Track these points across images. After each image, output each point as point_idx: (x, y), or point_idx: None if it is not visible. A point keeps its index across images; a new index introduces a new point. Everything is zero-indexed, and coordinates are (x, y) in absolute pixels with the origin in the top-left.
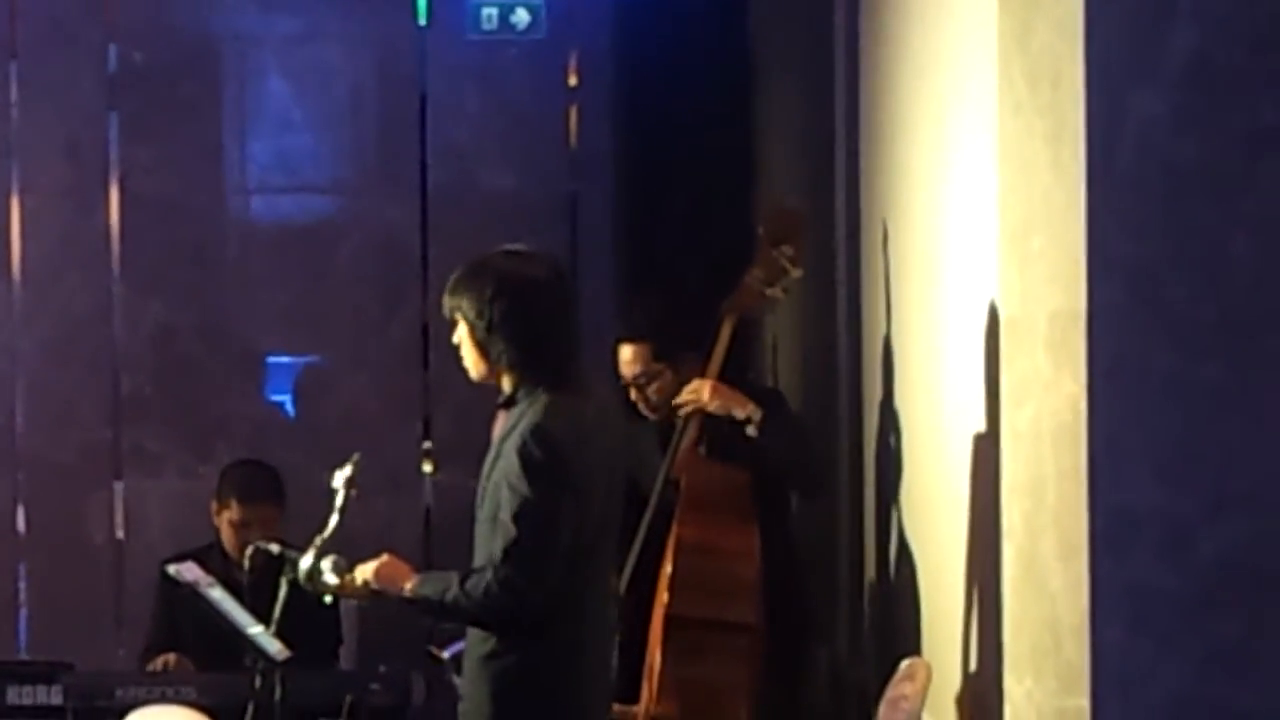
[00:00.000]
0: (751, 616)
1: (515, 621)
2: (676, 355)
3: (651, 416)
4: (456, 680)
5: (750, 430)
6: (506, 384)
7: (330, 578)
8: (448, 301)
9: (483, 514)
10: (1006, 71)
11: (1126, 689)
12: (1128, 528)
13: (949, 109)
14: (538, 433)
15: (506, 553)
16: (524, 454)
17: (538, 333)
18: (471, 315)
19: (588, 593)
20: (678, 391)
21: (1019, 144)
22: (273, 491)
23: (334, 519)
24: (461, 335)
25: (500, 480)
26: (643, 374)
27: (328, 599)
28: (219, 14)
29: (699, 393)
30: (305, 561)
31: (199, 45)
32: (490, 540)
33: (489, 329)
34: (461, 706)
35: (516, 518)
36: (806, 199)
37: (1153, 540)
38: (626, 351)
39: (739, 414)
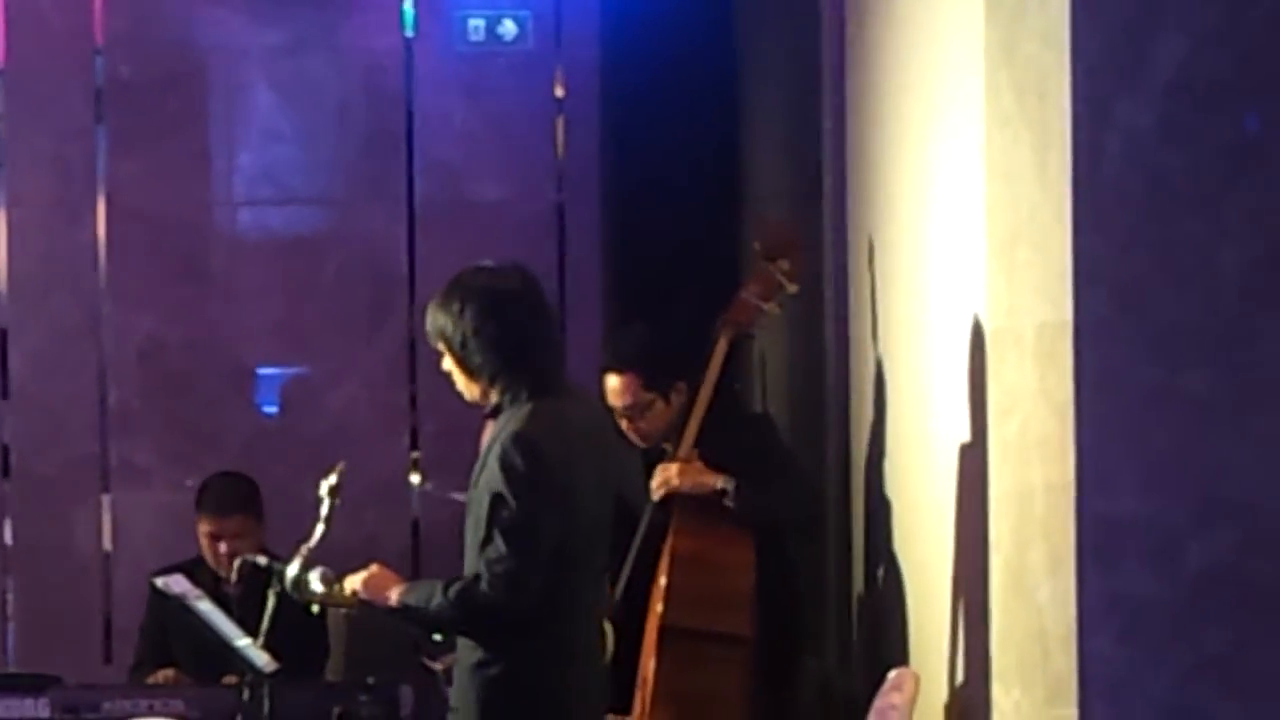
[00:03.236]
0: (745, 628)
1: (500, 629)
2: (666, 385)
3: (642, 445)
4: (449, 691)
5: (727, 501)
6: (493, 395)
7: (317, 586)
8: (429, 329)
9: (470, 522)
10: (993, 83)
11: (1114, 699)
12: (1115, 538)
13: (935, 122)
14: (519, 440)
15: (489, 562)
16: (505, 462)
17: (515, 339)
18: (449, 333)
19: (576, 597)
20: (670, 421)
21: (1005, 155)
22: (243, 504)
23: (320, 528)
24: (449, 361)
25: (486, 486)
26: (632, 406)
27: (315, 608)
28: (206, 27)
29: (668, 476)
30: (291, 570)
31: (186, 58)
32: (476, 552)
33: (464, 344)
34: (451, 717)
35: (499, 527)
36: (793, 212)
37: (1140, 551)
38: (614, 381)
39: (713, 488)
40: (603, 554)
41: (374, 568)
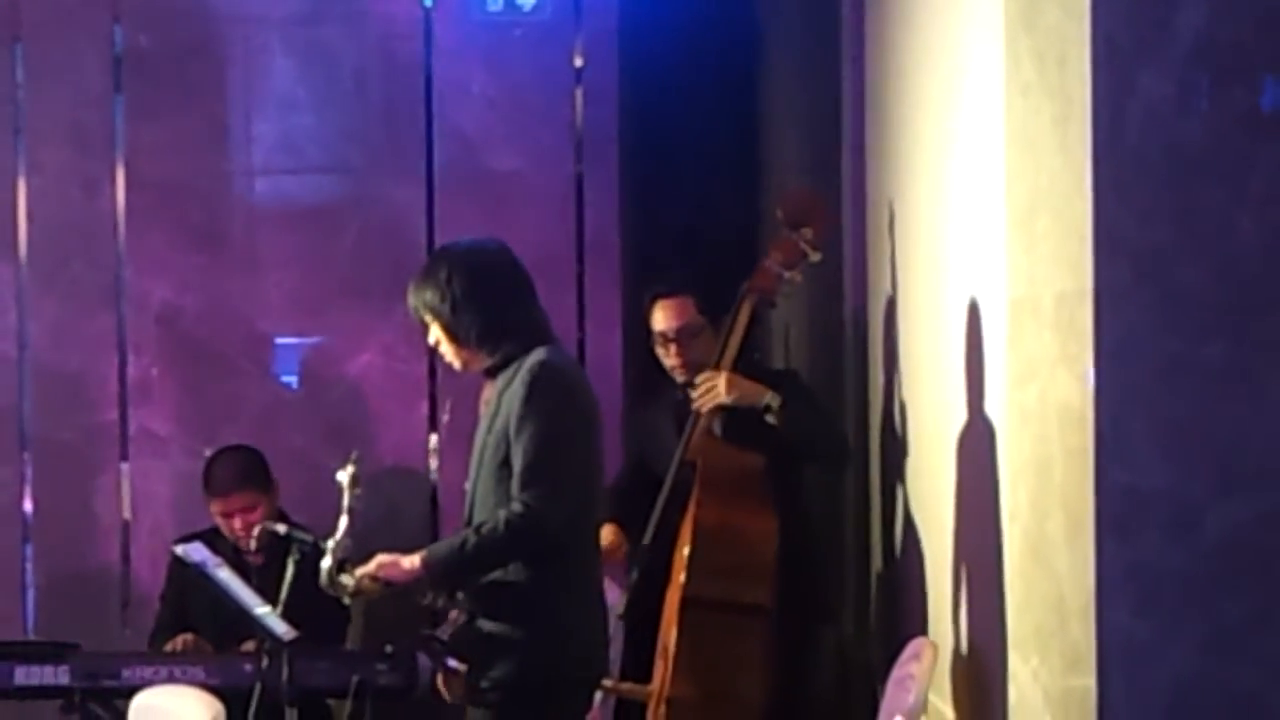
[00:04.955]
0: (767, 598)
1: (538, 542)
2: (717, 313)
3: (682, 378)
4: (453, 663)
5: (770, 418)
6: (483, 358)
7: (347, 579)
8: (412, 303)
9: (484, 469)
10: (1013, 52)
11: (1132, 669)
12: (1134, 508)
13: (955, 89)
14: (544, 368)
15: (523, 478)
16: (533, 386)
17: (503, 297)
18: (436, 302)
19: (590, 542)
20: (708, 357)
21: (1025, 124)
22: (244, 478)
23: (343, 520)
24: (436, 332)
25: (504, 426)
26: (687, 326)
27: (346, 600)
28: None
29: (715, 387)
30: (325, 565)
31: (204, 27)
32: (493, 495)
33: (454, 309)
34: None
35: (532, 444)
36: (813, 180)
37: (1159, 520)
38: (667, 306)
39: (759, 403)
40: (601, 499)
41: (379, 556)
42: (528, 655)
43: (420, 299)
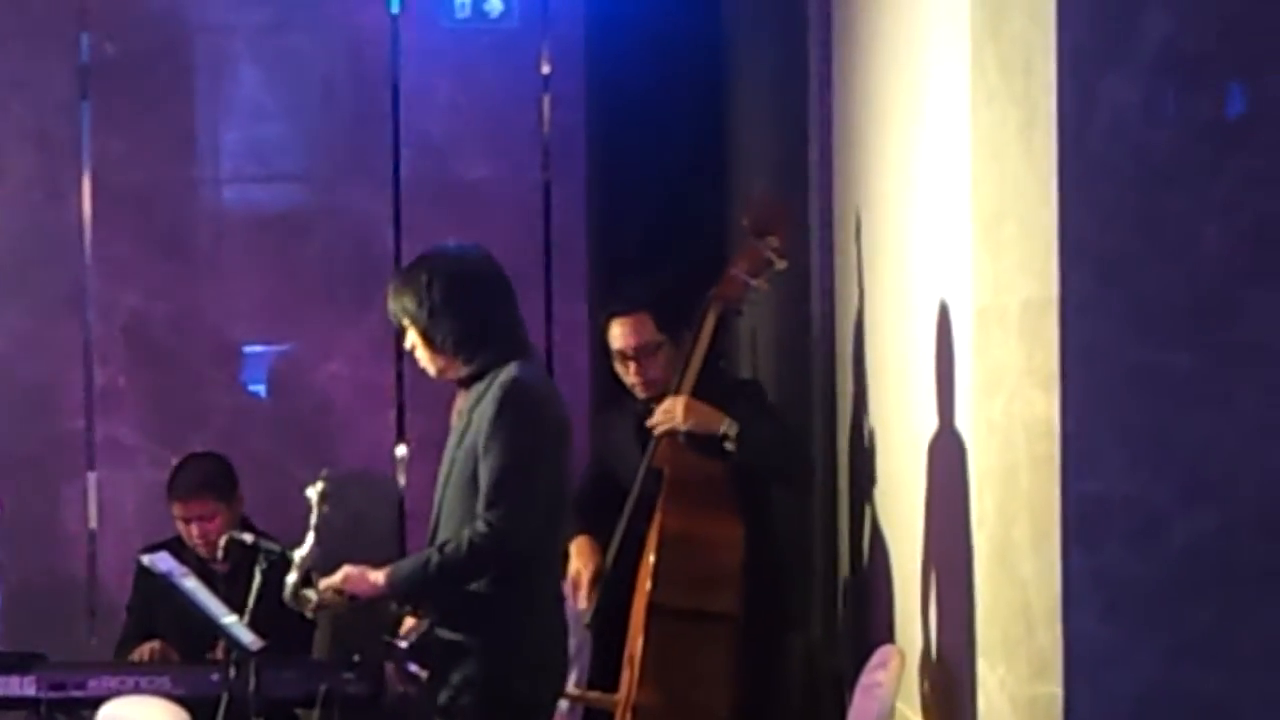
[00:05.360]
0: (734, 606)
1: (501, 563)
2: (676, 330)
3: (642, 395)
4: (414, 668)
5: (728, 445)
6: (458, 367)
7: (310, 594)
8: (391, 307)
9: (452, 482)
10: (979, 60)
11: (1097, 676)
12: (1099, 516)
13: (922, 97)
14: (516, 385)
15: (489, 497)
16: (503, 403)
17: (482, 307)
18: (413, 307)
19: (554, 559)
20: (669, 375)
21: (991, 132)
22: (206, 485)
23: (310, 537)
24: (413, 337)
25: (474, 442)
26: (646, 344)
27: (310, 615)
28: (191, 3)
29: (673, 413)
30: (290, 580)
31: (171, 35)
32: (459, 509)
33: (431, 315)
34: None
35: (499, 462)
36: (780, 188)
37: (1124, 528)
38: (624, 324)
39: (715, 432)
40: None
41: (346, 568)
42: (489, 667)
43: (399, 303)
